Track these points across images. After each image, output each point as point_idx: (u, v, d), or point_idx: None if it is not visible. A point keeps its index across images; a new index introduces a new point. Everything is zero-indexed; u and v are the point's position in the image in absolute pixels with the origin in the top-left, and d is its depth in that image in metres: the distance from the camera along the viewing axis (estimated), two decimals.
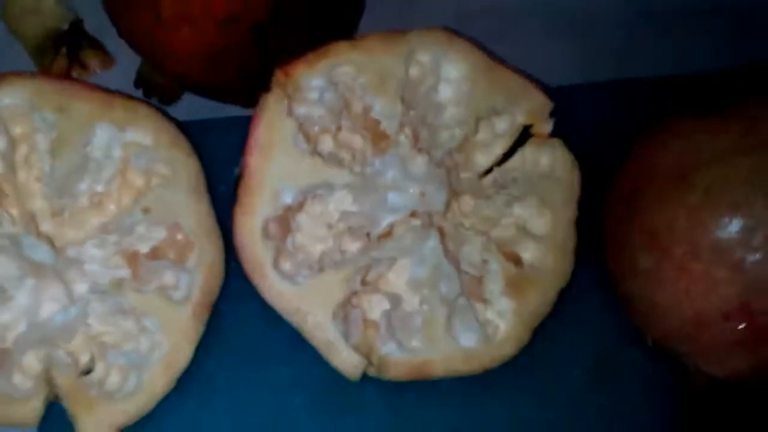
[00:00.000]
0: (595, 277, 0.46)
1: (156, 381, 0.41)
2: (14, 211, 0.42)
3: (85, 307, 0.41)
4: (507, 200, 0.44)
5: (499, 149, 0.44)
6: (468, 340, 0.42)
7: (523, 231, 0.44)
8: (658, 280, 0.41)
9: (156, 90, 0.50)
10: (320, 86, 0.43)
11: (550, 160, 0.44)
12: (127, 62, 0.49)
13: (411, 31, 0.43)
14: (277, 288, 0.42)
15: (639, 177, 0.42)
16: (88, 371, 0.41)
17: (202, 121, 0.48)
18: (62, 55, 0.50)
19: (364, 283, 0.43)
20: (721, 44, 0.52)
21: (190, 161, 0.43)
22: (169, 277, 0.42)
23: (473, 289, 0.43)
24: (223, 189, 0.45)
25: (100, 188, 0.42)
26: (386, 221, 0.43)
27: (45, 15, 0.51)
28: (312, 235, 0.43)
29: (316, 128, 0.44)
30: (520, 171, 0.45)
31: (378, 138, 0.44)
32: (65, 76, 0.44)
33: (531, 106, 0.44)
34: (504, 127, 0.44)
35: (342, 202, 0.43)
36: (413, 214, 0.43)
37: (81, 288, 0.41)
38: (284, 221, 0.43)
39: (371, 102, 0.43)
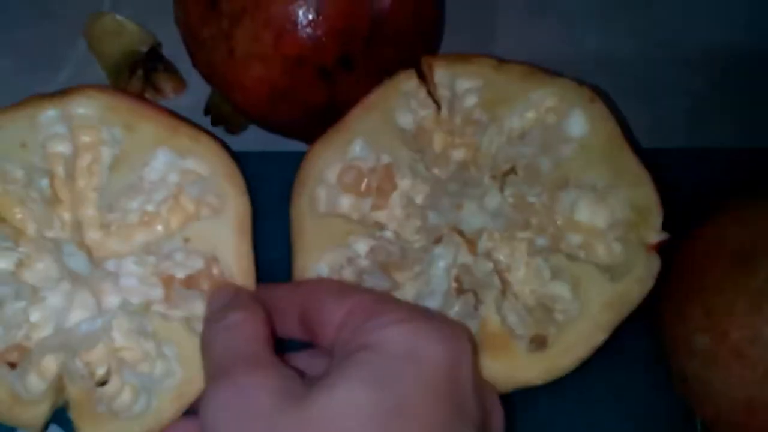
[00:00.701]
0: (650, 349, 0.45)
1: (165, 408, 0.40)
2: (67, 216, 0.42)
3: (111, 321, 0.41)
4: (549, 268, 0.41)
5: (617, 246, 0.41)
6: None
7: (545, 306, 0.41)
8: (712, 361, 0.40)
9: (224, 119, 0.50)
10: (445, 84, 0.43)
11: (628, 257, 0.41)
12: (198, 89, 0.50)
13: (561, 76, 0.42)
14: None
15: (703, 253, 0.42)
16: (102, 383, 0.41)
17: (262, 152, 0.49)
18: (138, 77, 0.51)
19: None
20: None
21: (241, 199, 0.42)
22: (197, 308, 0.41)
23: None
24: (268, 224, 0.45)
25: (150, 208, 0.42)
26: (438, 229, 0.42)
27: (126, 37, 0.52)
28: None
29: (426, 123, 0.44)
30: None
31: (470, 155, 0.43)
32: (138, 95, 0.44)
33: (636, 199, 0.40)
34: (617, 216, 0.41)
35: (415, 189, 0.43)
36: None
37: (112, 301, 0.41)
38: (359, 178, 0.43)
39: (480, 117, 0.43)
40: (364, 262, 0.42)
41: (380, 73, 0.43)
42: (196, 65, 0.46)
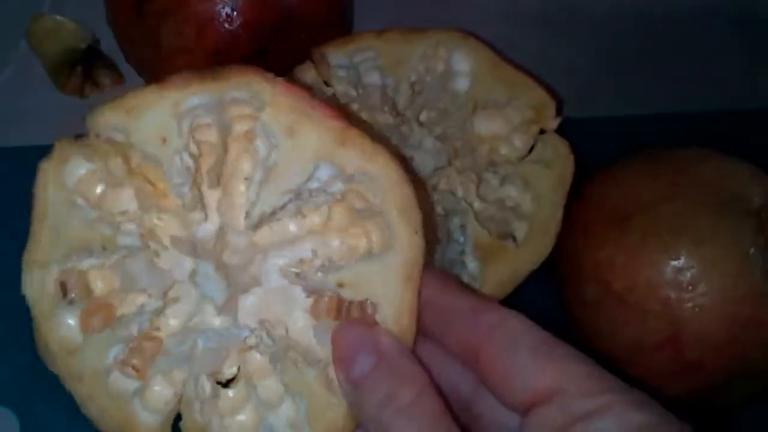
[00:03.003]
0: (554, 304, 0.49)
1: None
2: (214, 214, 0.36)
3: (245, 341, 0.36)
4: (497, 178, 0.47)
5: (519, 143, 0.48)
6: None
7: (507, 207, 0.47)
8: (600, 308, 0.45)
9: None
10: (345, 65, 0.48)
11: (545, 147, 0.48)
12: (137, 80, 0.54)
13: (430, 29, 0.48)
14: None
15: (588, 213, 0.46)
16: (226, 383, 0.36)
17: None
18: (78, 73, 0.55)
19: None
20: (668, 89, 0.58)
21: (414, 239, 0.34)
22: None
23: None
24: None
25: (309, 206, 0.35)
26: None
27: (65, 35, 0.56)
28: None
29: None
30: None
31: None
32: (304, 88, 0.35)
33: (533, 100, 0.47)
34: (517, 119, 0.48)
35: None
36: None
37: (253, 309, 0.35)
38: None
39: (385, 81, 0.48)
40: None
41: (294, 59, 0.47)
42: (128, 61, 0.50)
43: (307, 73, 0.48)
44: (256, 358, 0.35)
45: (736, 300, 0.41)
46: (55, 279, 0.36)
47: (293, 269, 0.35)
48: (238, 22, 0.46)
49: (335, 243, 0.35)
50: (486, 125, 0.48)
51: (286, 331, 0.35)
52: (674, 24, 0.60)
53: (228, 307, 0.35)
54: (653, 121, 0.57)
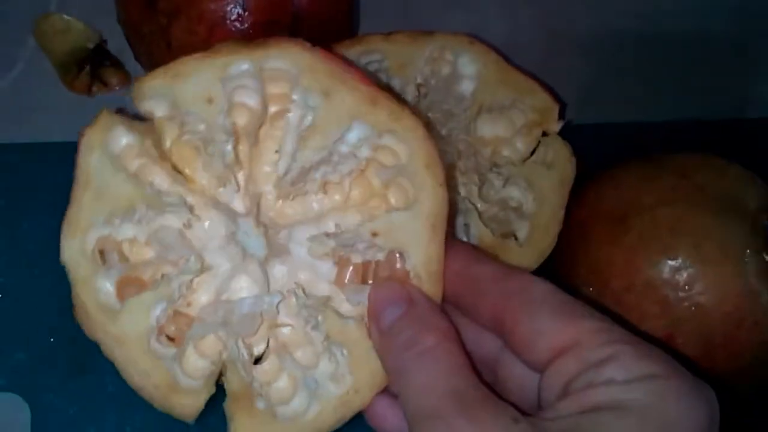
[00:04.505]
0: None
1: (326, 416, 0.36)
2: (244, 180, 0.38)
3: (279, 305, 0.37)
4: (501, 179, 0.48)
5: (521, 145, 0.49)
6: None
7: (509, 207, 0.48)
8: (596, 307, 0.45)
9: None
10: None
11: (547, 150, 0.49)
12: None
13: (437, 32, 0.49)
14: None
15: (586, 215, 0.47)
16: (258, 359, 0.37)
17: None
18: (86, 72, 0.56)
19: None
20: (668, 98, 0.60)
21: (439, 191, 0.36)
22: None
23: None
24: None
25: (334, 178, 0.38)
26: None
27: (73, 35, 0.57)
28: None
29: None
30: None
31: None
32: (339, 55, 0.39)
33: (536, 104, 0.48)
34: (520, 122, 0.49)
35: None
36: None
37: (281, 277, 0.38)
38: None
39: (391, 82, 0.49)
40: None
41: None
42: (138, 58, 0.51)
43: None
44: (285, 332, 0.37)
45: (732, 300, 0.42)
46: (94, 244, 0.37)
47: (324, 233, 0.37)
48: (249, 22, 0.46)
49: (356, 218, 0.37)
50: (489, 128, 0.49)
51: (324, 296, 0.37)
52: (675, 34, 0.62)
53: (272, 260, 0.37)
54: (653, 128, 0.58)
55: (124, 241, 0.37)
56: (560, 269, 0.48)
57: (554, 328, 0.31)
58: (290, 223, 0.38)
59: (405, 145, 0.37)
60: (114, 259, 0.37)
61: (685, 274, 0.43)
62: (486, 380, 0.33)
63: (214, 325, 0.37)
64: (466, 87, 0.49)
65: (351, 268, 0.37)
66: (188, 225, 0.37)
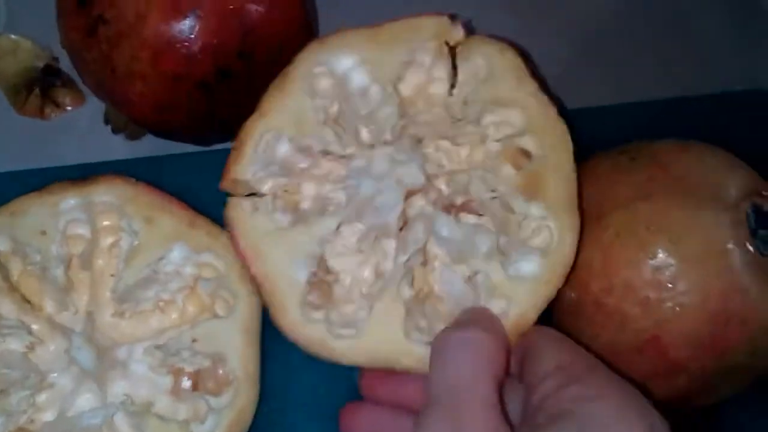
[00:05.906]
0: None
1: None
2: (82, 301, 0.44)
3: (113, 417, 0.42)
4: (474, 119, 0.43)
5: (439, 73, 0.44)
6: (531, 264, 0.41)
7: (507, 134, 0.43)
8: (580, 313, 0.43)
9: (123, 127, 0.53)
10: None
11: (483, 59, 0.43)
12: (97, 100, 0.52)
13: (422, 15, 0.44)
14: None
15: None
16: None
17: (159, 157, 0.52)
18: (35, 94, 0.54)
19: (416, 289, 0.42)
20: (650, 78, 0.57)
21: (251, 300, 0.43)
22: (200, 410, 0.42)
23: (502, 223, 0.42)
24: None
25: (166, 296, 0.44)
26: (393, 222, 0.42)
27: (22, 55, 0.54)
28: (352, 280, 0.42)
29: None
30: (467, 88, 0.44)
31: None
32: (157, 189, 0.45)
33: (431, 32, 0.43)
34: (427, 59, 0.43)
35: (349, 237, 0.42)
36: (407, 201, 0.42)
37: (118, 390, 0.42)
38: (318, 285, 0.42)
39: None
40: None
41: (259, 80, 0.44)
42: (85, 83, 0.49)
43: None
44: (125, 424, 0.42)
45: (716, 297, 0.40)
46: None
47: (157, 340, 0.43)
48: (198, 46, 0.44)
49: (193, 308, 0.44)
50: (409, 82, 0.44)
51: (147, 402, 0.42)
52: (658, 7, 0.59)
53: (96, 385, 0.42)
54: (636, 109, 0.56)
55: None
56: None
57: (550, 359, 0.37)
58: (130, 341, 0.43)
59: (222, 261, 0.44)
60: None
61: (666, 273, 0.41)
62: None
63: None
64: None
65: (185, 377, 0.42)
66: (31, 347, 0.42)
